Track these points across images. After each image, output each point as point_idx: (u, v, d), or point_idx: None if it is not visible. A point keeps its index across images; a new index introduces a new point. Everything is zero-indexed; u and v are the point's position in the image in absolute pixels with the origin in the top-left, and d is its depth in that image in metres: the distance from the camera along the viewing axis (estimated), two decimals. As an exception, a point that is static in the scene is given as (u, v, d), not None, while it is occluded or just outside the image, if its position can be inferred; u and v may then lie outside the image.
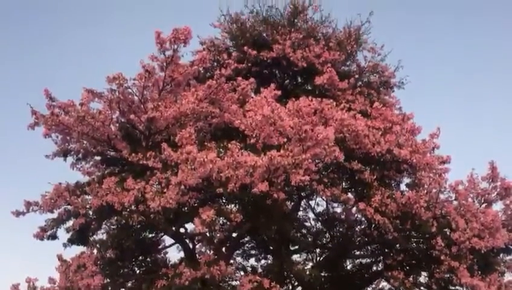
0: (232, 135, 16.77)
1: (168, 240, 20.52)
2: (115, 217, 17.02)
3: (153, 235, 20.09)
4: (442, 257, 17.81)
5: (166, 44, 16.06)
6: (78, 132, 16.29)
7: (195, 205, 15.75)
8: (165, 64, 16.50)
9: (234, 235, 20.09)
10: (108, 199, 15.50)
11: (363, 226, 21.19)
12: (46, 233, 17.73)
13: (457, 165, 20.45)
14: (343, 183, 19.87)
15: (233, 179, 14.36)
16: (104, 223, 18.39)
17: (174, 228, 18.54)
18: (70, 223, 17.48)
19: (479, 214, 18.36)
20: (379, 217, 17.66)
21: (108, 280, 18.36)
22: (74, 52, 55.20)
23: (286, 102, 16.87)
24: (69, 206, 17.00)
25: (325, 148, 14.75)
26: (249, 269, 22.46)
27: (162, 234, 20.06)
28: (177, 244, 20.27)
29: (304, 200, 22.47)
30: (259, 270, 21.77)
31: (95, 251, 18.48)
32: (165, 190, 14.88)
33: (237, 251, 22.68)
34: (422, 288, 19.56)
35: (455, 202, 19.14)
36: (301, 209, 23.05)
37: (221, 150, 15.41)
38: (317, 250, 23.07)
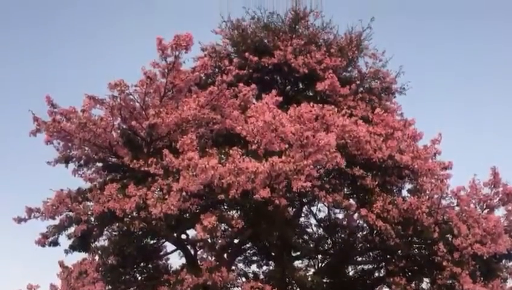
0: (233, 141, 16.77)
1: (169, 246, 20.55)
2: (117, 224, 17.00)
3: (155, 241, 20.11)
4: (444, 263, 17.79)
5: (168, 50, 16.06)
6: (80, 139, 16.28)
7: (197, 211, 15.74)
8: (166, 70, 16.49)
9: (236, 241, 20.07)
10: (110, 206, 15.49)
11: (364, 232, 21.17)
12: (48, 239, 17.69)
13: (459, 171, 20.46)
14: (345, 190, 19.87)
15: (235, 185, 14.36)
16: (105, 229, 18.37)
17: (175, 235, 18.54)
18: (71, 229, 17.46)
19: (481, 219, 18.34)
20: (381, 223, 17.65)
21: (109, 287, 18.38)
22: (76, 59, 55.30)
23: (287, 108, 16.88)
24: (70, 213, 16.97)
25: (327, 154, 14.74)
26: (251, 275, 22.40)
27: (164, 240, 20.06)
28: (178, 251, 20.28)
29: (306, 206, 22.45)
30: (261, 276, 21.73)
31: (96, 258, 18.48)
32: (166, 196, 14.87)
33: (239, 257, 22.64)
34: (424, 294, 19.56)
35: (457, 208, 19.11)
36: (303, 215, 23.04)
37: (222, 156, 15.41)
38: (319, 256, 23.03)
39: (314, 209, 23.05)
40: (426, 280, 19.51)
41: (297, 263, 22.65)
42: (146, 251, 19.54)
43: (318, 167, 16.03)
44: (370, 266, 22.55)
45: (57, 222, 17.35)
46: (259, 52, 21.34)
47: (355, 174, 18.14)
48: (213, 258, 18.45)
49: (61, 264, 18.59)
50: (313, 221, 23.33)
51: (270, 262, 22.75)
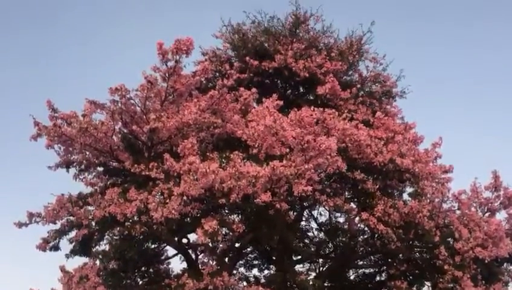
0: (234, 145, 16.78)
1: (170, 250, 20.54)
2: (118, 228, 16.96)
3: (156, 246, 20.11)
4: (446, 267, 17.79)
5: (169, 55, 16.05)
6: (81, 143, 16.27)
7: (198, 215, 15.74)
8: (167, 75, 16.47)
9: (237, 245, 20.06)
10: (111, 210, 15.49)
11: (366, 236, 21.15)
12: (49, 244, 17.66)
13: (460, 175, 20.48)
14: (346, 193, 19.88)
15: (236, 189, 14.37)
16: (106, 234, 18.33)
17: (176, 239, 18.55)
18: (72, 234, 17.45)
19: (482, 223, 18.34)
20: (382, 227, 17.64)
21: (110, 291, 18.35)
22: (77, 63, 55.42)
23: (288, 112, 16.92)
24: (71, 218, 16.96)
25: (328, 158, 14.76)
26: (252, 279, 22.35)
27: (165, 244, 20.07)
28: (179, 255, 20.26)
29: (307, 210, 22.44)
30: (262, 280, 21.64)
31: (97, 262, 18.48)
32: (167, 201, 14.87)
33: (240, 261, 22.64)
34: (425, 298, 19.53)
35: (458, 212, 19.13)
36: (304, 219, 23.06)
37: (223, 160, 15.42)
38: (320, 260, 23.03)
39: (315, 213, 23.12)
40: (427, 283, 19.51)
41: (299, 267, 22.63)
42: (147, 255, 19.54)
43: (319, 171, 16.01)
44: (371, 270, 22.56)
45: (57, 226, 17.35)
46: (259, 56, 21.36)
47: (356, 178, 18.13)
48: (214, 262, 18.43)
49: (62, 268, 18.59)
50: (314, 225, 23.40)
51: (271, 266, 22.76)
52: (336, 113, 17.26)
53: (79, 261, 18.50)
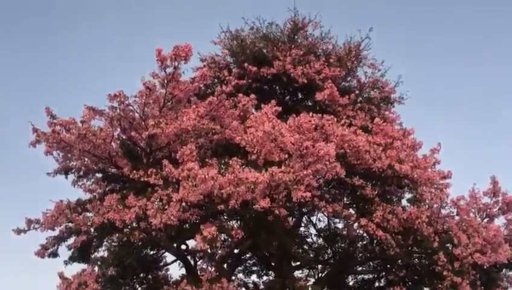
0: (233, 152, 16.80)
1: (169, 257, 20.52)
2: (117, 235, 16.94)
3: (155, 252, 20.08)
4: (445, 273, 17.76)
5: (167, 61, 16.10)
6: (79, 149, 16.28)
7: (197, 221, 15.72)
8: (165, 81, 16.52)
9: (236, 251, 20.03)
10: (110, 216, 15.47)
11: (364, 242, 21.14)
12: (47, 251, 17.63)
13: (459, 180, 20.47)
14: (345, 199, 19.86)
15: (235, 195, 14.37)
16: (105, 240, 18.34)
17: (175, 245, 18.53)
18: (71, 240, 17.40)
19: (481, 229, 18.33)
20: (381, 232, 17.62)
21: (109, 298, 18.32)
22: (75, 70, 55.46)
23: (287, 118, 16.93)
24: (70, 224, 16.94)
25: (326, 164, 14.75)
26: (251, 285, 22.35)
27: (164, 251, 20.04)
28: (178, 261, 20.23)
29: (306, 216, 22.46)
30: (261, 286, 21.69)
31: (96, 269, 18.45)
32: (166, 207, 14.87)
33: (239, 268, 22.60)
34: (425, 304, 19.50)
35: (457, 217, 19.11)
36: (303, 225, 23.07)
37: (222, 166, 15.44)
38: (319, 266, 23.01)
39: (314, 219, 23.15)
40: (426, 289, 19.45)
41: (297, 273, 22.61)
42: (146, 261, 19.51)
43: (318, 176, 16.01)
44: (370, 276, 22.52)
45: (56, 233, 17.33)
46: (258, 63, 21.40)
47: (354, 184, 18.12)
48: (213, 268, 18.38)
49: (61, 275, 18.55)
50: (312, 231, 23.40)
51: (270, 272, 22.73)
52: (334, 119, 17.26)
53: (78, 267, 18.49)
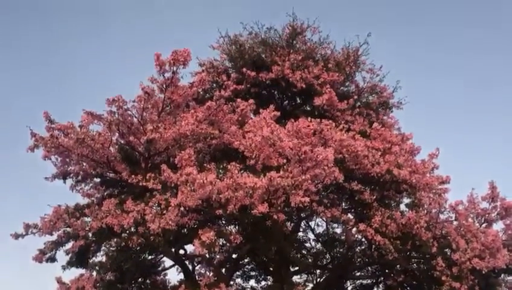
0: (231, 156, 16.78)
1: (167, 261, 20.51)
2: (115, 239, 16.93)
3: (153, 257, 20.05)
4: (443, 278, 17.72)
5: (166, 66, 16.11)
6: (78, 154, 16.28)
7: (195, 226, 15.72)
8: (164, 86, 16.53)
9: (234, 256, 20.03)
10: (108, 221, 15.44)
11: (363, 247, 21.15)
12: (45, 256, 17.55)
13: (457, 185, 20.47)
14: (343, 204, 19.85)
15: (233, 200, 14.35)
16: (103, 245, 18.29)
17: (173, 250, 18.50)
18: (69, 245, 17.35)
19: (479, 234, 18.30)
20: (379, 237, 17.61)
21: (107, 303, 18.29)
22: (74, 75, 55.47)
23: (285, 123, 16.93)
24: (68, 229, 16.88)
25: (325, 169, 14.73)
26: (249, 290, 22.37)
27: (162, 255, 20.01)
28: (176, 266, 20.21)
29: (304, 221, 22.45)
30: (260, 291, 21.69)
31: (94, 273, 18.44)
32: (164, 212, 14.84)
33: (237, 272, 22.60)
34: (423, 309, 19.47)
35: (455, 222, 19.11)
36: (301, 230, 23.06)
37: (220, 171, 15.43)
38: (318, 271, 23.01)
39: (312, 224, 23.14)
40: (425, 294, 19.44)
41: (296, 278, 22.63)
42: (144, 266, 19.48)
43: (316, 181, 15.99)
44: (369, 281, 22.51)
45: (54, 237, 17.25)
46: (256, 67, 21.42)
47: (353, 189, 18.13)
48: (211, 273, 18.37)
49: (59, 280, 18.51)
50: (311, 236, 23.39)
51: (269, 277, 22.70)
52: (333, 124, 17.26)
53: (76, 272, 18.42)
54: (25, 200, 43.06)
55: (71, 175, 17.98)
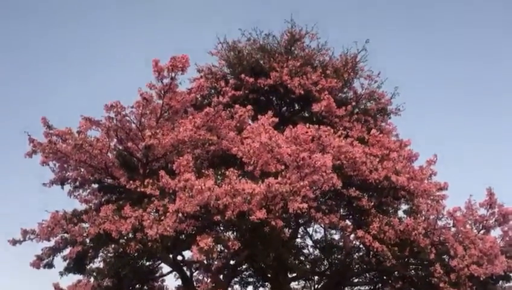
0: (229, 162, 16.78)
1: (165, 268, 20.51)
2: (112, 245, 16.93)
3: (151, 263, 20.04)
4: (441, 284, 17.69)
5: (164, 72, 16.12)
6: (76, 160, 16.27)
7: (193, 232, 15.68)
8: (162, 92, 16.53)
9: (232, 262, 19.97)
10: (106, 227, 15.40)
11: (361, 253, 21.13)
12: (43, 262, 17.51)
13: (455, 192, 20.47)
14: (341, 210, 19.87)
15: (231, 206, 14.34)
16: (101, 251, 18.28)
17: (171, 256, 18.45)
18: (67, 251, 17.30)
19: (477, 240, 18.29)
20: (377, 244, 17.58)
21: (105, 309, 18.25)
22: (72, 80, 55.51)
23: (283, 129, 16.93)
24: (66, 235, 16.85)
25: (323, 175, 14.73)
26: (247, 296, 22.31)
27: (160, 261, 20.00)
28: (174, 272, 20.20)
29: (302, 227, 22.41)
30: (258, 298, 21.64)
31: (91, 280, 18.44)
32: (162, 218, 14.82)
33: (235, 279, 22.54)
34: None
35: (453, 229, 19.08)
36: (299, 236, 23.01)
37: (219, 177, 15.41)
38: (316, 277, 22.97)
39: (310, 230, 23.13)
40: (423, 301, 19.41)
41: (294, 284, 22.60)
42: (142, 272, 19.46)
43: (314, 188, 15.99)
44: (366, 287, 22.50)
45: (52, 243, 17.22)
46: (255, 74, 21.45)
47: (351, 195, 18.12)
48: (209, 279, 18.35)
49: (56, 286, 18.52)
50: (309, 242, 23.37)
51: (266, 283, 22.68)
52: (331, 130, 17.27)
53: (73, 278, 18.44)
54: (23, 206, 42.99)
55: (69, 181, 17.97)
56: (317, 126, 16.92)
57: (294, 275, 21.73)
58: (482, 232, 19.74)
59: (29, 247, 16.93)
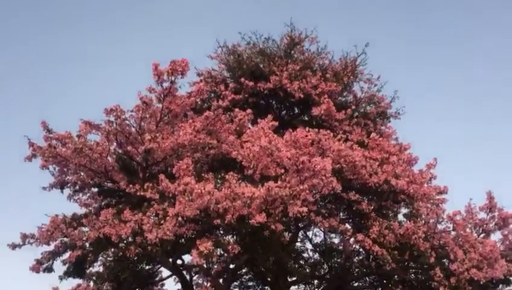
0: (229, 166, 16.77)
1: (165, 272, 20.48)
2: (112, 249, 16.88)
3: (150, 267, 20.02)
4: (441, 288, 17.66)
5: (164, 76, 16.10)
6: (75, 164, 16.26)
7: (193, 236, 15.67)
8: (162, 95, 16.52)
9: (232, 266, 19.98)
10: (106, 231, 15.37)
11: (361, 257, 21.10)
12: (42, 266, 17.49)
13: (455, 196, 20.45)
14: (341, 214, 19.86)
15: (231, 210, 14.33)
16: (100, 255, 18.24)
17: (171, 260, 18.43)
18: (66, 255, 17.28)
19: (477, 244, 18.26)
20: (377, 248, 17.56)
21: (104, 313, 18.22)
22: (72, 84, 55.53)
23: (283, 133, 16.93)
24: (65, 239, 16.83)
25: (323, 179, 14.72)
26: (247, 300, 22.28)
27: (159, 266, 19.97)
28: (174, 276, 20.18)
29: (302, 231, 22.39)
30: (257, 302, 21.61)
31: (91, 284, 18.38)
32: (162, 222, 14.78)
33: (235, 283, 22.53)
34: (421, 320, 19.41)
35: (453, 233, 19.03)
36: (299, 240, 22.99)
37: (218, 181, 15.40)
38: (315, 281, 22.91)
39: (310, 234, 23.09)
40: (423, 305, 19.38)
41: (293, 288, 22.52)
42: (141, 276, 19.44)
43: (314, 191, 15.97)
44: (366, 291, 22.45)
45: (51, 247, 17.21)
46: (254, 77, 21.46)
47: (351, 199, 18.12)
48: (209, 283, 18.33)
49: (56, 290, 18.42)
50: (309, 246, 23.34)
51: (266, 287, 22.63)
52: (331, 134, 17.27)
53: (73, 282, 18.36)
54: (22, 210, 42.95)
55: (69, 185, 17.95)
56: (316, 130, 16.93)
57: (294, 279, 21.68)
58: (482, 236, 19.69)
59: (29, 251, 16.96)
